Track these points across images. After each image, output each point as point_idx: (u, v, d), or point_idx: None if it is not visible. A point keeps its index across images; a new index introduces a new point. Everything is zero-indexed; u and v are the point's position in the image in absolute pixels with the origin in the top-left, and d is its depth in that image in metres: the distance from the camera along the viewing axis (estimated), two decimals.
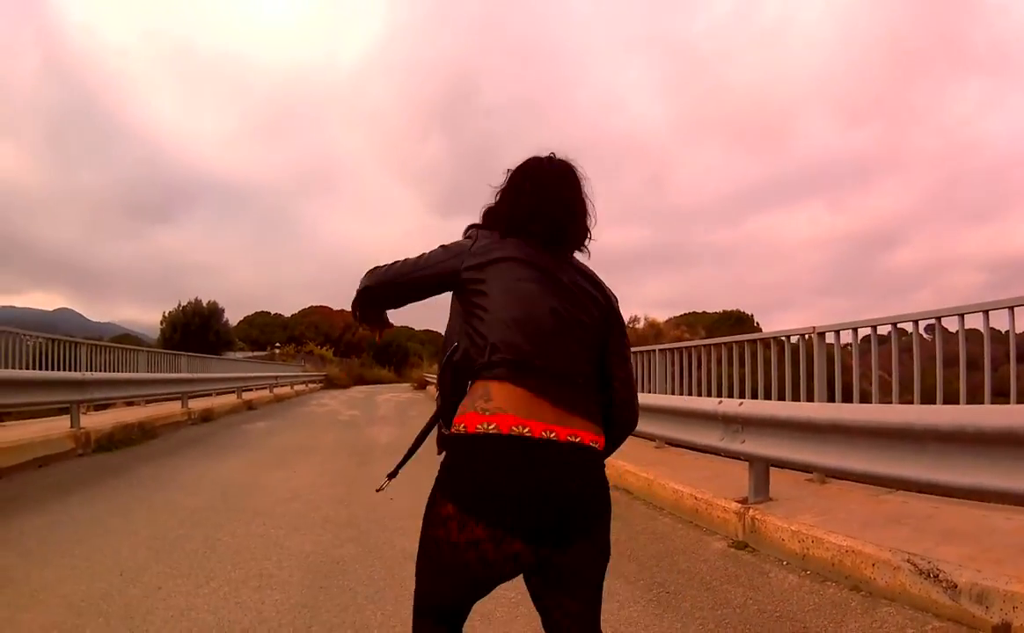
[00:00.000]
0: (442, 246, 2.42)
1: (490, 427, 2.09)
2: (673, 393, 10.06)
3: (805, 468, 5.62)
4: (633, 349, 9.86)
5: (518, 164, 2.48)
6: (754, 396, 6.93)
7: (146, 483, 8.72)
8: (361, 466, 10.79)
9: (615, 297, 2.47)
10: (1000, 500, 4.78)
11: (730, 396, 7.01)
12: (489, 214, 2.47)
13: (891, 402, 6.23)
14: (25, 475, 8.71)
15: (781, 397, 6.31)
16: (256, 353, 51.99)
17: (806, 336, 6.44)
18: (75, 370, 11.21)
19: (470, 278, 2.30)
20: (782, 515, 5.65)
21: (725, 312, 60.82)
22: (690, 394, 9.49)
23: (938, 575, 4.16)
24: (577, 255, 2.44)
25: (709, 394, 8.33)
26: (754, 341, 8.15)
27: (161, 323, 44.08)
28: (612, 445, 2.47)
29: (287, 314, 78.78)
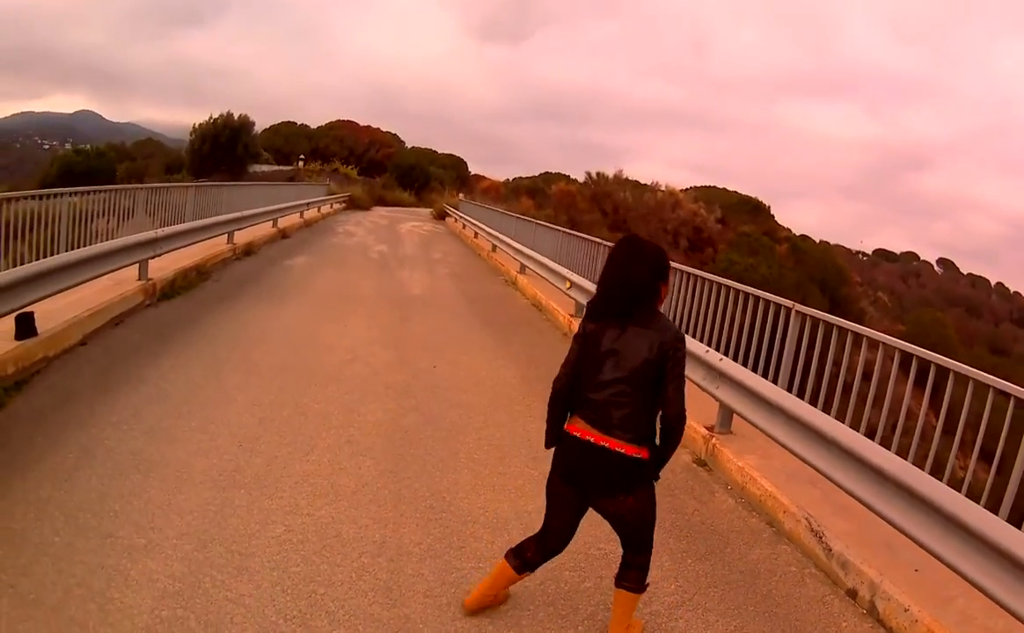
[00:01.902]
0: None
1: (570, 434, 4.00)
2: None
3: (753, 423, 6.65)
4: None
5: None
6: (735, 342, 7.56)
7: (220, 338, 9.79)
8: (403, 323, 12.26)
9: (672, 341, 3.85)
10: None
11: (715, 344, 7.74)
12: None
13: (885, 326, 6.90)
14: (106, 338, 9.22)
15: (759, 351, 7.01)
16: (281, 167, 51.59)
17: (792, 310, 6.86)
18: (142, 228, 11.56)
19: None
20: (734, 450, 7.01)
21: (743, 198, 59.49)
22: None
23: (822, 536, 5.52)
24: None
25: (694, 332, 8.88)
26: (747, 295, 8.45)
27: (191, 134, 44.10)
28: (665, 442, 3.95)
29: (313, 125, 77.06)
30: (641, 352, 3.77)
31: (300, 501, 5.43)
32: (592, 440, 3.84)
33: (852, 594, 5.11)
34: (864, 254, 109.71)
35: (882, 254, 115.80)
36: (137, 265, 11.21)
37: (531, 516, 5.52)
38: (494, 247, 24.02)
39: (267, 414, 7.08)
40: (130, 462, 5.70)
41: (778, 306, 6.87)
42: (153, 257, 11.73)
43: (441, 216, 42.13)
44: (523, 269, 18.87)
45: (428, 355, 10.12)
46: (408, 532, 5.17)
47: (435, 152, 78.65)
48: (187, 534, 4.76)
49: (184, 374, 8.01)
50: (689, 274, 8.92)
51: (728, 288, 7.80)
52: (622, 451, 3.80)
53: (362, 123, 79.80)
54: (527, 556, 4.18)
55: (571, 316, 13.46)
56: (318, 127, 76.80)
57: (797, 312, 6.68)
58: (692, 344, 7.85)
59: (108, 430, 6.23)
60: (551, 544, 4.17)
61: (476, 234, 28.79)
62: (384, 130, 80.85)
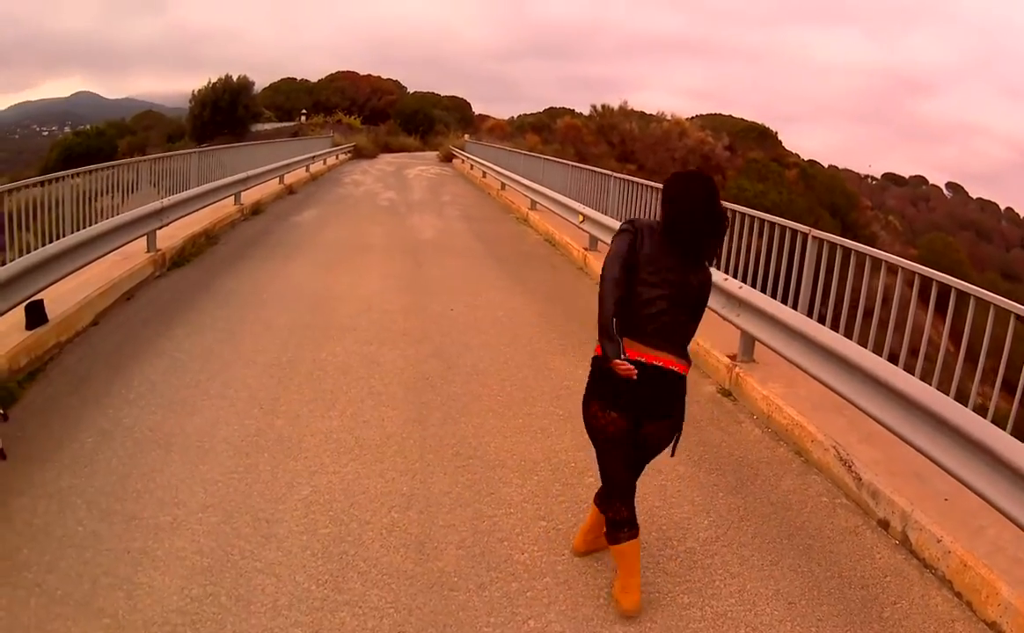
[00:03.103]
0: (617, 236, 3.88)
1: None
2: None
3: (776, 351, 6.54)
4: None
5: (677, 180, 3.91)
6: (752, 270, 7.42)
7: (233, 301, 9.57)
8: (417, 269, 12.12)
9: (710, 283, 3.97)
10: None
11: (732, 271, 7.58)
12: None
13: (897, 250, 6.74)
14: (118, 315, 8.88)
15: (776, 279, 6.89)
16: (284, 124, 51.23)
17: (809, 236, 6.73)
18: (148, 200, 11.27)
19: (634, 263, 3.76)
20: (758, 378, 6.87)
21: (750, 124, 58.91)
22: None
23: (852, 466, 5.41)
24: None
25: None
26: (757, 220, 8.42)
27: (190, 102, 44.27)
28: None
29: (313, 79, 76.25)
30: (695, 287, 3.81)
31: (325, 459, 5.32)
32: (662, 365, 3.74)
33: (884, 524, 5.02)
34: (873, 178, 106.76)
35: (891, 178, 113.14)
36: (145, 237, 10.96)
37: (559, 456, 5.46)
38: (503, 186, 23.84)
39: (286, 373, 6.96)
40: (150, 438, 5.55)
41: (794, 232, 6.71)
42: (161, 227, 11.49)
43: (448, 158, 41.55)
44: (534, 206, 18.71)
45: (444, 298, 9.99)
46: (436, 482, 5.06)
47: (438, 95, 77.85)
48: (212, 506, 4.64)
49: (199, 341, 7.84)
50: None
51: (743, 215, 7.61)
52: (683, 373, 3.85)
53: (362, 73, 78.60)
54: (623, 515, 3.95)
55: (585, 250, 13.31)
56: (318, 80, 75.80)
57: (814, 237, 6.53)
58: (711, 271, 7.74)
59: (125, 408, 6.06)
60: (628, 493, 4.00)
61: (484, 174, 28.59)
62: (385, 77, 79.67)
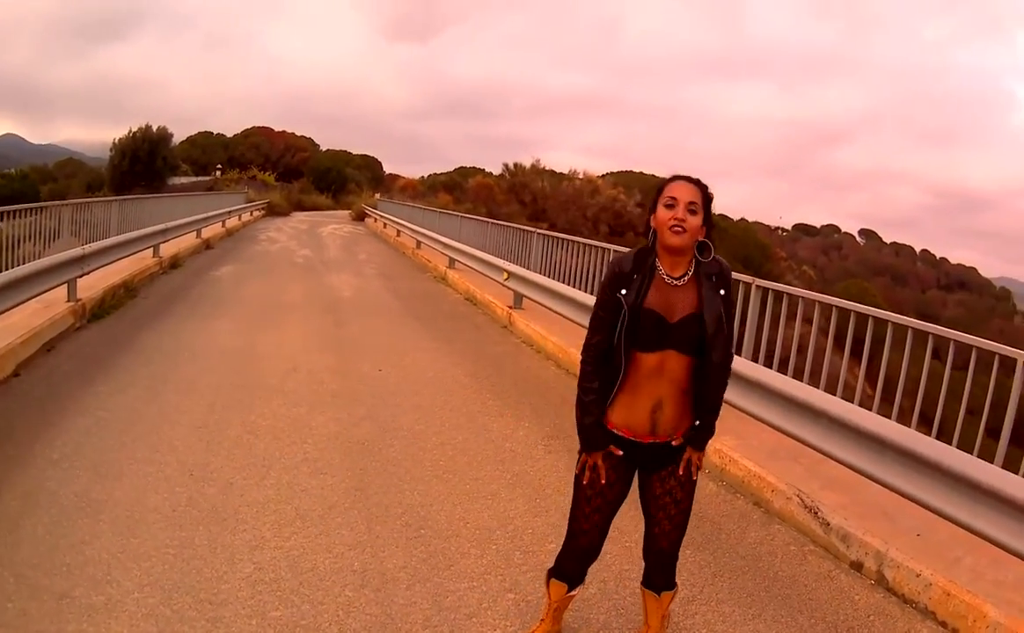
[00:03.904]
0: None
1: None
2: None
3: (731, 404, 6.25)
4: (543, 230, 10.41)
5: None
6: None
7: (156, 358, 9.01)
8: (340, 328, 11.75)
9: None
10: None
11: None
12: None
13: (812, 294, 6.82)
14: (42, 366, 8.40)
15: None
16: (200, 178, 50.53)
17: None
18: (69, 248, 10.75)
19: None
20: None
21: (661, 180, 60.38)
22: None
23: (818, 512, 5.34)
24: None
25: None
26: None
27: (111, 150, 43.31)
28: None
29: (229, 134, 75.69)
30: None
31: (265, 532, 4.86)
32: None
33: (857, 566, 4.99)
34: (784, 230, 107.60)
35: (802, 228, 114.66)
36: (66, 285, 10.41)
37: (514, 522, 5.20)
38: (418, 244, 23.64)
39: (214, 436, 6.48)
40: (76, 505, 5.03)
41: (737, 281, 6.60)
42: (82, 275, 10.94)
43: (360, 217, 41.83)
44: (452, 263, 18.49)
45: (370, 358, 9.63)
46: (389, 556, 4.67)
47: (350, 153, 78.49)
48: (149, 584, 4.16)
49: (123, 400, 7.30)
50: None
51: None
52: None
53: (277, 129, 78.78)
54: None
55: (510, 308, 13.06)
56: (234, 136, 75.34)
57: (758, 287, 6.69)
58: None
59: (49, 470, 5.53)
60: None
61: (399, 232, 28.46)
62: (299, 134, 79.84)
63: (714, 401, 3.41)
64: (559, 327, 10.96)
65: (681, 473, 3.48)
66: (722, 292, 3.28)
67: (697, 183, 3.28)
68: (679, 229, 3.16)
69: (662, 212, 3.23)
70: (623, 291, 3.21)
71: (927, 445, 4.66)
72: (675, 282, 3.23)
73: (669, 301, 3.21)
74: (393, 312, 13.72)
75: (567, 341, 10.27)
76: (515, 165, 49.39)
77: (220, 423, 6.81)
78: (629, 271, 3.26)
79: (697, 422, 3.40)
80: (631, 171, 62.99)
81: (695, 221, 3.19)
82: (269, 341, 10.28)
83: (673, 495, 3.51)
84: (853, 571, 4.93)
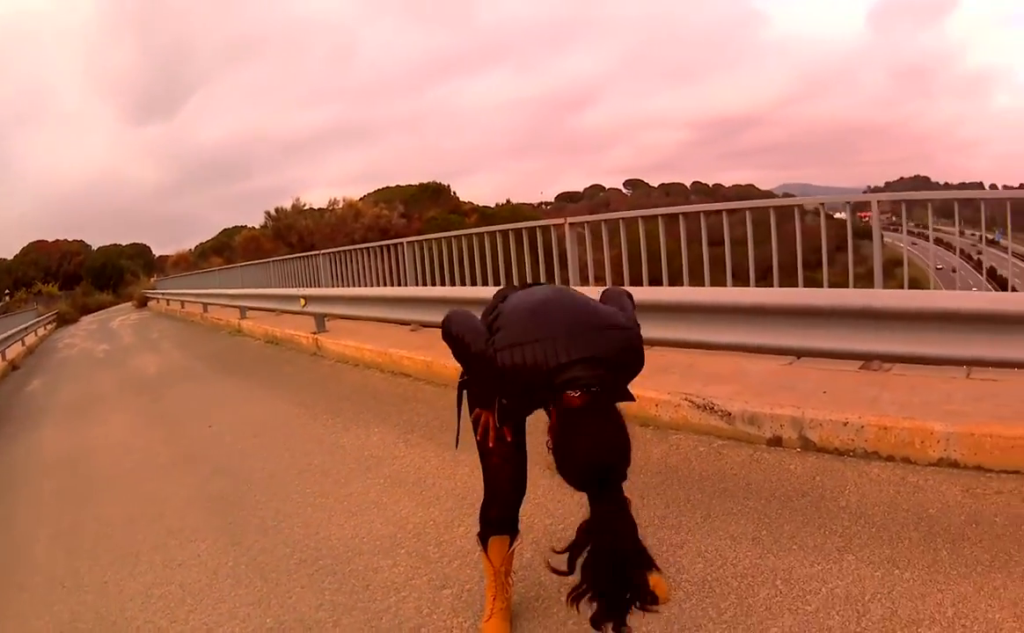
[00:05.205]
0: None
1: None
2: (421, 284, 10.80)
3: None
4: (378, 244, 10.25)
5: None
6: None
7: None
8: (156, 403, 10.67)
9: None
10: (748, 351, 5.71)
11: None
12: None
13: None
14: None
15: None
16: None
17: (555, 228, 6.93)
18: None
19: None
20: None
21: (423, 185, 60.52)
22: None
23: (713, 407, 5.19)
24: None
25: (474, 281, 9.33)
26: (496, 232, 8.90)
27: None
28: None
29: (10, 257, 72.03)
30: None
31: (160, 622, 4.02)
32: None
33: (776, 442, 4.92)
34: (547, 203, 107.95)
35: (566, 197, 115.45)
36: None
37: (411, 522, 4.68)
38: (205, 307, 22.64)
39: (72, 541, 5.47)
40: None
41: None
42: None
43: (143, 303, 40.44)
44: (244, 314, 17.58)
45: (197, 419, 8.74)
46: (298, 600, 3.97)
47: (121, 245, 76.83)
48: None
49: None
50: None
51: None
52: None
53: (51, 239, 75.93)
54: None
55: (314, 334, 12.44)
56: (14, 257, 71.64)
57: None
58: (488, 291, 7.97)
59: None
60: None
61: (183, 305, 27.45)
62: (71, 239, 77.02)
63: None
64: (371, 335, 10.75)
65: None
66: None
67: None
68: None
69: None
70: None
71: (799, 294, 5.13)
72: None
73: None
74: (201, 374, 12.76)
75: (384, 344, 9.89)
76: (277, 210, 48.80)
77: (74, 526, 5.81)
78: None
79: None
80: (390, 186, 63.01)
81: None
82: (97, 434, 9.17)
83: None
84: (774, 447, 4.84)
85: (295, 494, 5.56)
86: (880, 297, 4.95)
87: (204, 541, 4.99)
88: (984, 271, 41.77)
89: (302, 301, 12.74)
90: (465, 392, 3.18)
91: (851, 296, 5.06)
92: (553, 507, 4.28)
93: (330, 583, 4.09)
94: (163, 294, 34.31)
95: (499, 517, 3.23)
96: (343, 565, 4.27)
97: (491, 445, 3.08)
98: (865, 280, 6.13)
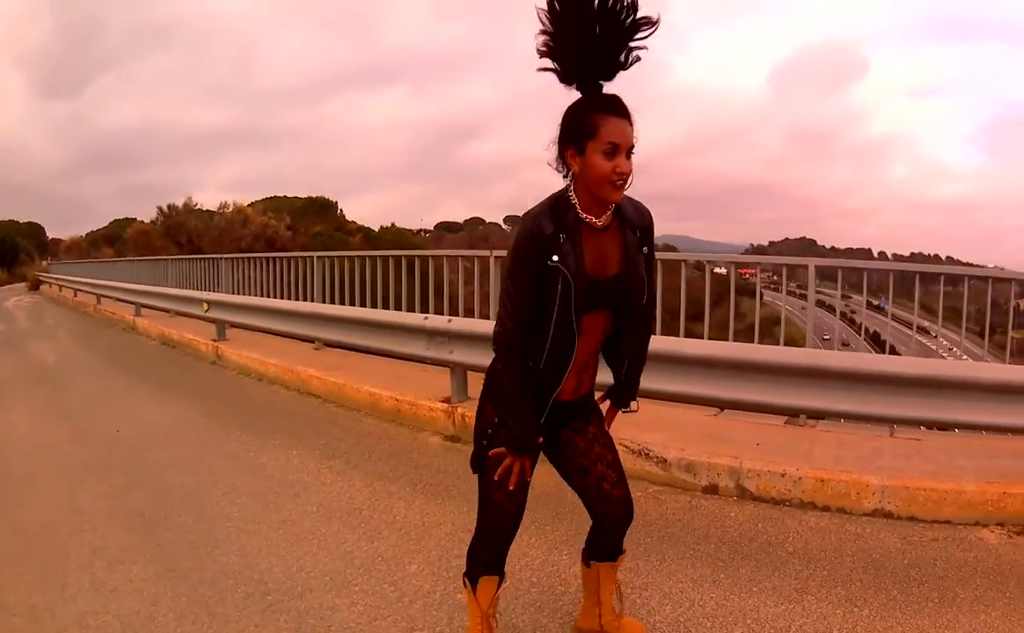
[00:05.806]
0: None
1: None
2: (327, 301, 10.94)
3: None
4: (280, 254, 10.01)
5: None
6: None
7: None
8: (58, 394, 10.06)
9: None
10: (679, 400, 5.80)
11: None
12: None
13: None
14: None
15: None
16: None
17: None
18: None
19: None
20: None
21: (311, 199, 60.37)
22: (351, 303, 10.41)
23: (648, 453, 5.20)
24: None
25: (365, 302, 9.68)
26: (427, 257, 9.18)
27: None
28: None
29: None
30: None
31: None
32: None
33: (712, 490, 4.97)
34: (426, 231, 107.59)
35: (445, 227, 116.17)
36: None
37: (357, 557, 4.37)
38: (99, 299, 21.64)
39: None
40: None
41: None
42: None
43: (36, 286, 38.76)
44: (139, 311, 16.75)
45: (101, 420, 8.14)
46: None
47: (17, 222, 73.17)
48: None
49: None
50: None
51: None
52: None
53: None
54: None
55: (214, 341, 11.92)
56: None
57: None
58: (407, 317, 7.82)
59: None
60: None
61: (76, 293, 26.30)
62: None
63: (642, 355, 2.96)
64: (275, 350, 10.47)
65: (608, 428, 3.06)
66: (645, 250, 2.73)
67: (630, 115, 2.53)
68: (623, 184, 2.53)
69: (599, 161, 2.48)
70: (555, 258, 2.53)
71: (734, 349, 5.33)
72: (600, 230, 2.63)
73: (598, 258, 2.63)
74: (99, 370, 12.00)
75: (290, 360, 9.56)
76: (168, 207, 48.06)
77: None
78: (552, 232, 2.54)
79: (622, 377, 2.95)
80: (278, 196, 62.36)
81: (631, 166, 2.52)
82: (2, 422, 8.38)
83: (598, 440, 3.00)
84: (710, 495, 4.89)
85: (222, 518, 5.10)
86: (818, 357, 5.14)
87: (135, 564, 4.43)
88: (862, 331, 44.72)
89: (205, 306, 12.24)
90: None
91: (791, 354, 5.26)
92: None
93: (287, 622, 3.69)
94: (56, 279, 33.02)
95: (495, 558, 3.00)
96: (295, 602, 3.88)
97: (511, 488, 2.79)
98: (745, 334, 6.57)
